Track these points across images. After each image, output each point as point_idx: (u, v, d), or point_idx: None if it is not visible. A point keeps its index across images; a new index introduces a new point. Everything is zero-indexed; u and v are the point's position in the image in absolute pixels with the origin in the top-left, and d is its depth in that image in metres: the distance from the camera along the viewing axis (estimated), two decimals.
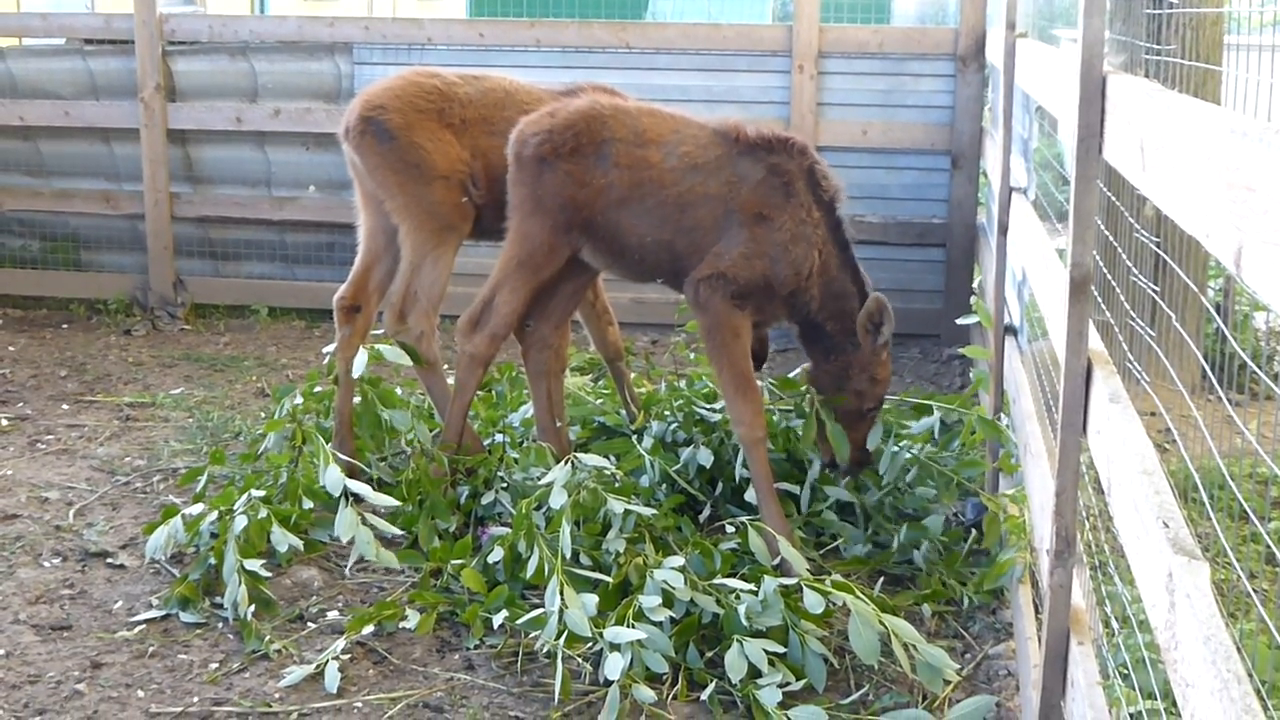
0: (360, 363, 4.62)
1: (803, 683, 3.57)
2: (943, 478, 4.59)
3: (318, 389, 5.22)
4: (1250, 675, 1.59)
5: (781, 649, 3.61)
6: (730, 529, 4.35)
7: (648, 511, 4.16)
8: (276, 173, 7.95)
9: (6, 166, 8.21)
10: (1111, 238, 3.34)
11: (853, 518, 4.62)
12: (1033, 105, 4.55)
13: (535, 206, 4.53)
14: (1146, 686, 2.42)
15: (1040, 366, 4.13)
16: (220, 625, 4.03)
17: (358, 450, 5.01)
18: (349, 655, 3.82)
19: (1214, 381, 2.33)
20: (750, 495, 4.46)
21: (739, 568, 4.05)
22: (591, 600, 3.73)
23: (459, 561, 4.20)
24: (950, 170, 7.31)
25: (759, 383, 4.57)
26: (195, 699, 3.60)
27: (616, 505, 4.11)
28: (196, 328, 7.79)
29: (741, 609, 3.68)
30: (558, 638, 3.61)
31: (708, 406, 5.07)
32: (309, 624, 4.06)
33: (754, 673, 3.52)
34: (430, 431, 4.89)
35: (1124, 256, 3.16)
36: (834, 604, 3.73)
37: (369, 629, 3.93)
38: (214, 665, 3.79)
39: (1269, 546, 2.02)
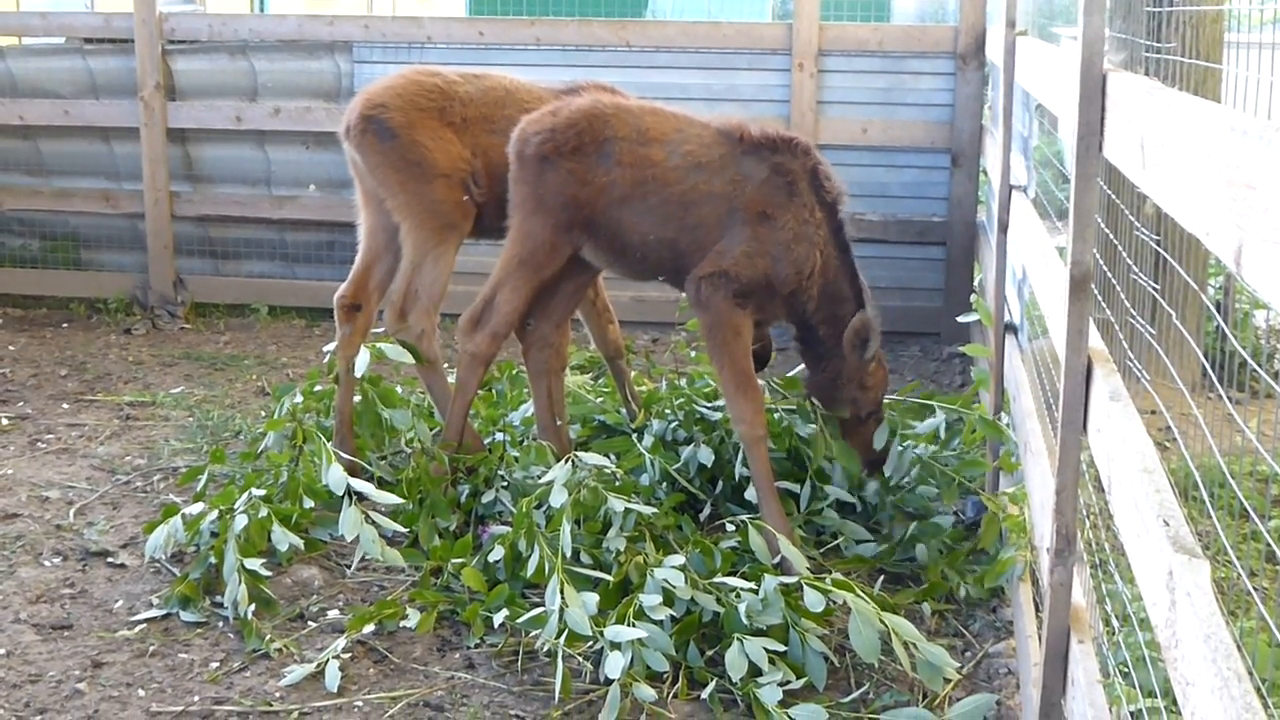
0: (362, 361, 4.62)
1: (803, 681, 3.57)
2: (945, 477, 4.59)
3: (318, 388, 5.22)
4: (1251, 673, 1.59)
5: (782, 647, 3.61)
6: (730, 527, 4.35)
7: (648, 510, 4.16)
8: (276, 171, 7.95)
9: (6, 166, 8.21)
10: (1112, 236, 3.33)
11: (854, 515, 4.62)
12: (1033, 103, 4.55)
13: (537, 205, 4.53)
14: (1147, 684, 2.42)
15: (1040, 365, 4.13)
16: (221, 624, 4.03)
17: (358, 449, 5.01)
18: (349, 654, 3.82)
19: (1214, 379, 2.33)
20: (751, 494, 4.46)
21: (739, 566, 4.05)
22: (592, 599, 3.73)
23: (459, 560, 4.21)
24: (950, 168, 7.31)
25: (760, 381, 4.58)
26: (196, 698, 3.61)
27: (617, 504, 4.11)
28: (196, 327, 7.79)
29: (742, 607, 3.68)
30: (558, 636, 3.61)
31: (708, 405, 5.07)
32: (309, 623, 4.06)
33: (754, 671, 3.52)
34: (431, 430, 4.89)
35: (1124, 254, 3.16)
36: (834, 602, 3.73)
37: (369, 628, 3.93)
38: (214, 664, 3.79)
39: (1269, 544, 2.02)
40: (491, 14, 9.59)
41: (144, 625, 4.03)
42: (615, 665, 3.48)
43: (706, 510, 4.69)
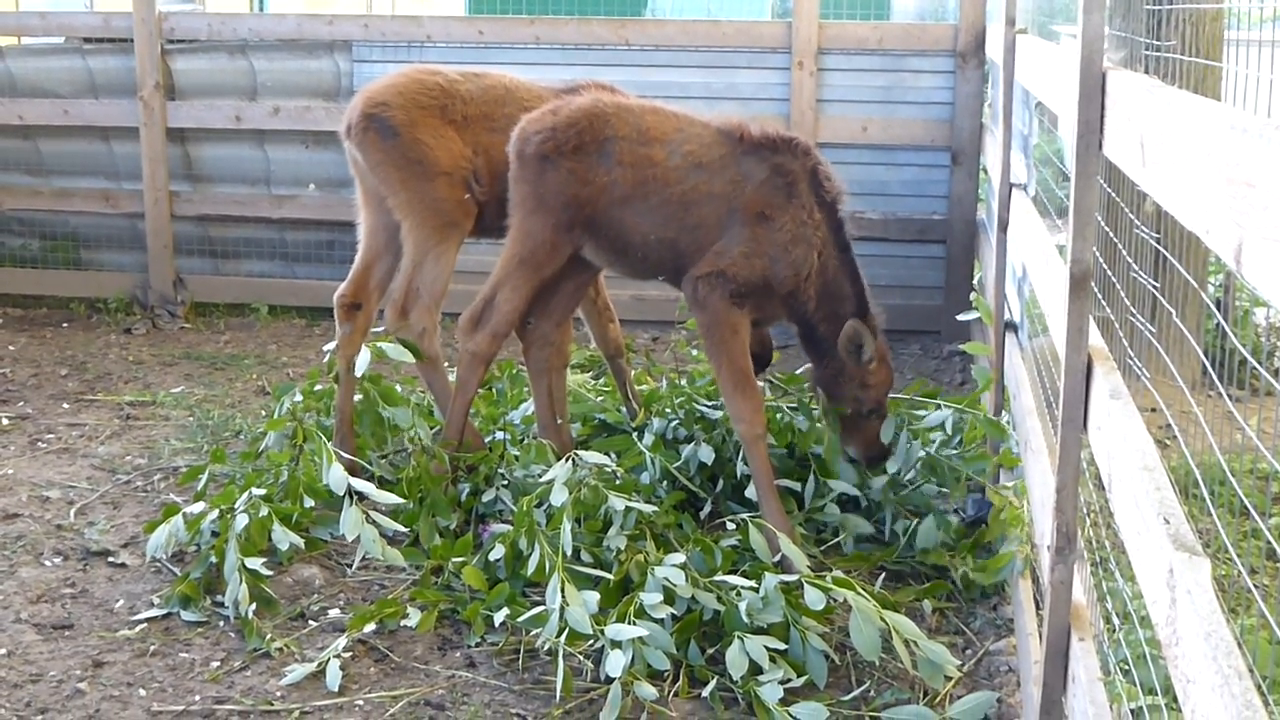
0: (363, 360, 4.62)
1: (804, 679, 3.58)
2: (952, 473, 4.59)
3: (318, 387, 5.23)
4: (1251, 671, 1.60)
5: (782, 646, 3.61)
6: (731, 526, 4.35)
7: (649, 509, 4.16)
8: (276, 171, 7.95)
9: (6, 165, 8.21)
10: (1111, 234, 3.33)
11: (857, 512, 4.62)
12: (1032, 101, 4.55)
13: (537, 204, 4.53)
14: (1147, 682, 2.42)
15: (1041, 363, 4.13)
16: (221, 624, 4.03)
17: (359, 448, 5.01)
18: (350, 653, 3.82)
19: (1214, 377, 2.33)
20: (751, 492, 4.46)
21: (740, 564, 4.06)
22: (593, 597, 3.73)
23: (460, 559, 4.21)
24: (950, 166, 7.31)
25: (760, 381, 4.58)
26: (197, 697, 3.61)
27: (617, 502, 4.11)
28: (196, 326, 7.79)
29: (742, 606, 3.68)
30: (559, 635, 3.61)
31: (709, 403, 5.07)
32: (310, 622, 4.06)
33: (755, 669, 3.52)
34: (431, 429, 4.89)
35: (1124, 252, 3.16)
36: (835, 600, 3.73)
37: (370, 627, 3.94)
38: (215, 664, 3.80)
39: (1269, 542, 2.03)
40: (491, 13, 9.58)
41: (145, 625, 4.03)
42: (616, 664, 3.48)
43: (707, 509, 4.69)
